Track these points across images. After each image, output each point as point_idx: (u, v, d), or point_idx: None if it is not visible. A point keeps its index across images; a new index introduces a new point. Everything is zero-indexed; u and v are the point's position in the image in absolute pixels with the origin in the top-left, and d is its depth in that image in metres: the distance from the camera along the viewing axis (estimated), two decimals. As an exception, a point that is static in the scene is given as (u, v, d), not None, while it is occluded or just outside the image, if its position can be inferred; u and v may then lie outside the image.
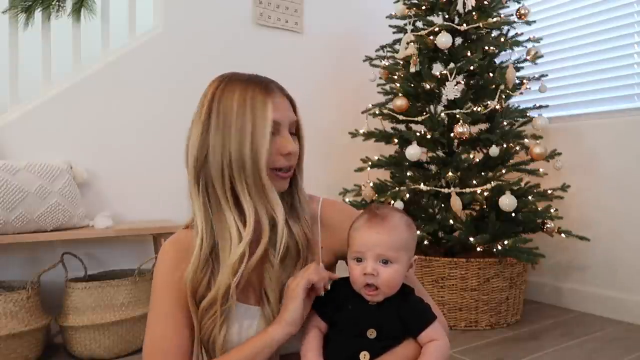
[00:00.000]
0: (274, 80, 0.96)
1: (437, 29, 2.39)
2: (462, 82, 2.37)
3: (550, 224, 2.28)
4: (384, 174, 2.68)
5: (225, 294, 0.88)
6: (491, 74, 2.40)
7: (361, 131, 2.60)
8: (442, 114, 2.38)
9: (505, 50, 2.51)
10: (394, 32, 2.65)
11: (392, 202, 2.30)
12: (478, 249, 2.21)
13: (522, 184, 2.31)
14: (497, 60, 2.52)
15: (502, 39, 2.48)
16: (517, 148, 2.42)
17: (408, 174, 2.44)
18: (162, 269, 0.96)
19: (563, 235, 2.32)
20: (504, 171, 2.35)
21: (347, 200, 2.66)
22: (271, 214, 0.89)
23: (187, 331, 0.92)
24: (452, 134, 2.32)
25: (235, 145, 0.86)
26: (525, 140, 2.43)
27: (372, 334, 0.87)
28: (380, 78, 2.65)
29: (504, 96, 2.36)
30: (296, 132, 0.96)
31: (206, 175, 0.89)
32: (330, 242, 1.00)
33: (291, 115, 0.94)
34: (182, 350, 0.91)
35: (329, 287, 0.90)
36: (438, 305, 0.99)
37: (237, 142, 0.86)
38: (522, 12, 2.45)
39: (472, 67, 2.36)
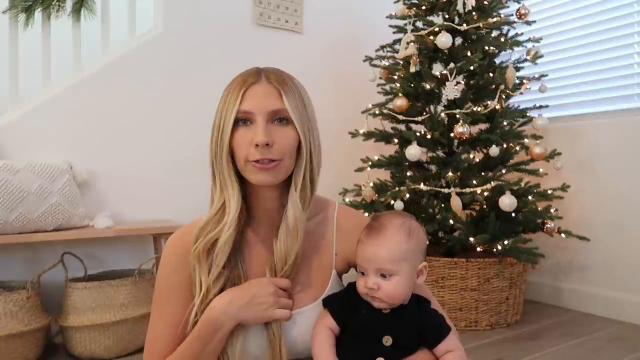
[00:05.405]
0: (276, 69, 0.94)
1: (437, 29, 2.39)
2: (462, 82, 2.37)
3: (550, 224, 2.28)
4: (384, 174, 2.68)
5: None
6: (491, 74, 2.40)
7: (361, 131, 2.60)
8: (442, 114, 2.38)
9: (505, 50, 2.51)
10: (394, 32, 2.64)
11: (392, 202, 2.30)
12: (478, 249, 2.21)
13: (522, 184, 2.31)
14: (497, 60, 2.52)
15: (502, 39, 2.48)
16: (517, 148, 2.43)
17: (408, 174, 2.44)
18: (166, 268, 0.95)
19: (563, 235, 2.32)
20: (504, 171, 2.35)
21: (347, 200, 2.66)
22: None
23: (185, 336, 0.90)
24: (452, 134, 2.32)
25: (212, 138, 0.91)
26: (525, 140, 2.44)
27: (387, 341, 0.87)
28: (380, 78, 2.65)
29: (504, 96, 2.36)
30: (288, 121, 0.89)
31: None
32: (343, 249, 0.98)
33: (270, 104, 0.87)
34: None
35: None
36: (437, 305, 0.99)
37: (213, 135, 0.91)
38: (522, 12, 2.45)
39: (472, 67, 2.36)
